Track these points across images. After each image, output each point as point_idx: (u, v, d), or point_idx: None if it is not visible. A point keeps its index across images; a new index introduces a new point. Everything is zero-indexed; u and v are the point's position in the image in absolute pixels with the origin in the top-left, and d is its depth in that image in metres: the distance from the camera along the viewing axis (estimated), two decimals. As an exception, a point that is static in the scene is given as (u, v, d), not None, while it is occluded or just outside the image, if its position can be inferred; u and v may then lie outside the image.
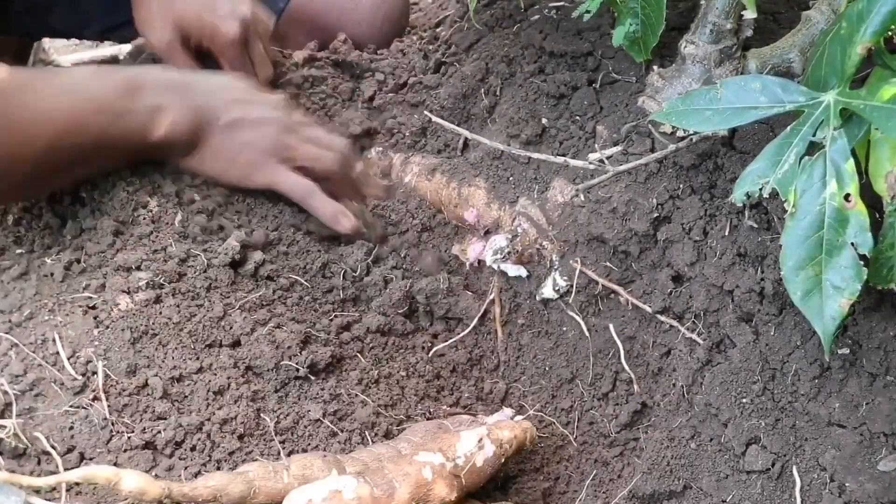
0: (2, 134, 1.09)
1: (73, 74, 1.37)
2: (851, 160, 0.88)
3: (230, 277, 1.22)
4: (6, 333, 1.06)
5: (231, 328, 1.16)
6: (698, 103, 0.98)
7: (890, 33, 0.89)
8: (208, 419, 1.07)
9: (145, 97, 1.20)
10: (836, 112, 0.90)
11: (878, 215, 0.93)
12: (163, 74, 1.29)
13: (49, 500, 0.85)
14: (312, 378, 1.17)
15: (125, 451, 1.01)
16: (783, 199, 0.91)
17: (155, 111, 1.20)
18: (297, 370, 1.15)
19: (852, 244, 0.88)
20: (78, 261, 1.17)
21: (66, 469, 0.96)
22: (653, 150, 1.22)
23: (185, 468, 1.02)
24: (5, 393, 1.00)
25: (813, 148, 0.92)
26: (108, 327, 1.10)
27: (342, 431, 1.13)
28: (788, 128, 0.93)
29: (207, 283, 1.20)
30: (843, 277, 0.88)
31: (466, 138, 1.39)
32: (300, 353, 1.16)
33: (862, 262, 0.88)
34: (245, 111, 1.29)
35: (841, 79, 0.91)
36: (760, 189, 0.92)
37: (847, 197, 0.88)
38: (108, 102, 1.18)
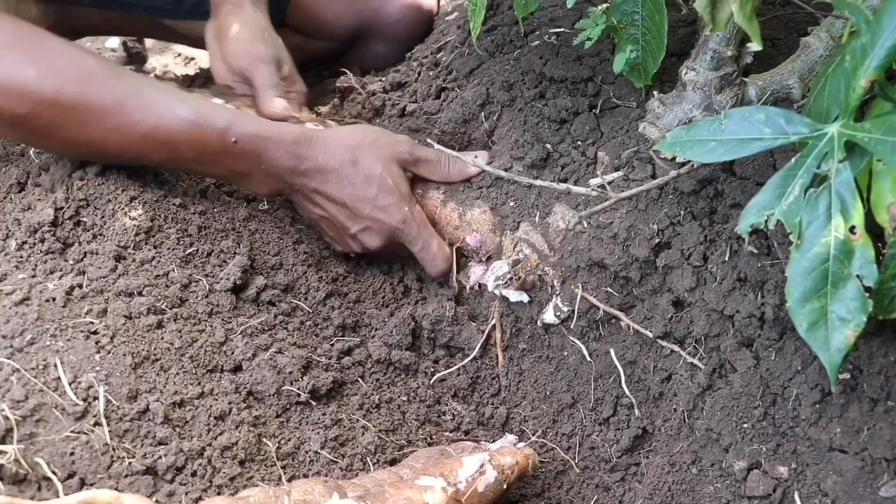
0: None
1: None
2: (857, 192, 0.89)
3: (232, 302, 1.22)
4: (7, 358, 1.05)
5: (232, 353, 1.16)
6: (702, 134, 0.98)
7: (894, 66, 0.90)
8: (209, 444, 1.07)
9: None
10: (840, 144, 0.90)
11: (879, 245, 0.94)
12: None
13: (51, 528, 0.85)
14: (314, 403, 1.16)
15: (126, 476, 1.01)
16: (788, 231, 0.91)
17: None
18: (299, 395, 1.15)
19: (858, 276, 0.88)
20: (80, 286, 1.17)
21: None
22: (654, 177, 1.23)
23: (186, 493, 1.02)
24: (6, 418, 0.99)
25: (817, 180, 0.92)
26: (109, 352, 1.09)
27: (343, 457, 1.13)
28: (793, 160, 0.93)
29: (209, 308, 1.20)
30: (848, 309, 0.88)
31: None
32: (301, 378, 1.16)
33: (867, 294, 0.88)
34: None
35: (844, 111, 0.91)
36: (766, 221, 0.93)
37: (852, 229, 0.88)
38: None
